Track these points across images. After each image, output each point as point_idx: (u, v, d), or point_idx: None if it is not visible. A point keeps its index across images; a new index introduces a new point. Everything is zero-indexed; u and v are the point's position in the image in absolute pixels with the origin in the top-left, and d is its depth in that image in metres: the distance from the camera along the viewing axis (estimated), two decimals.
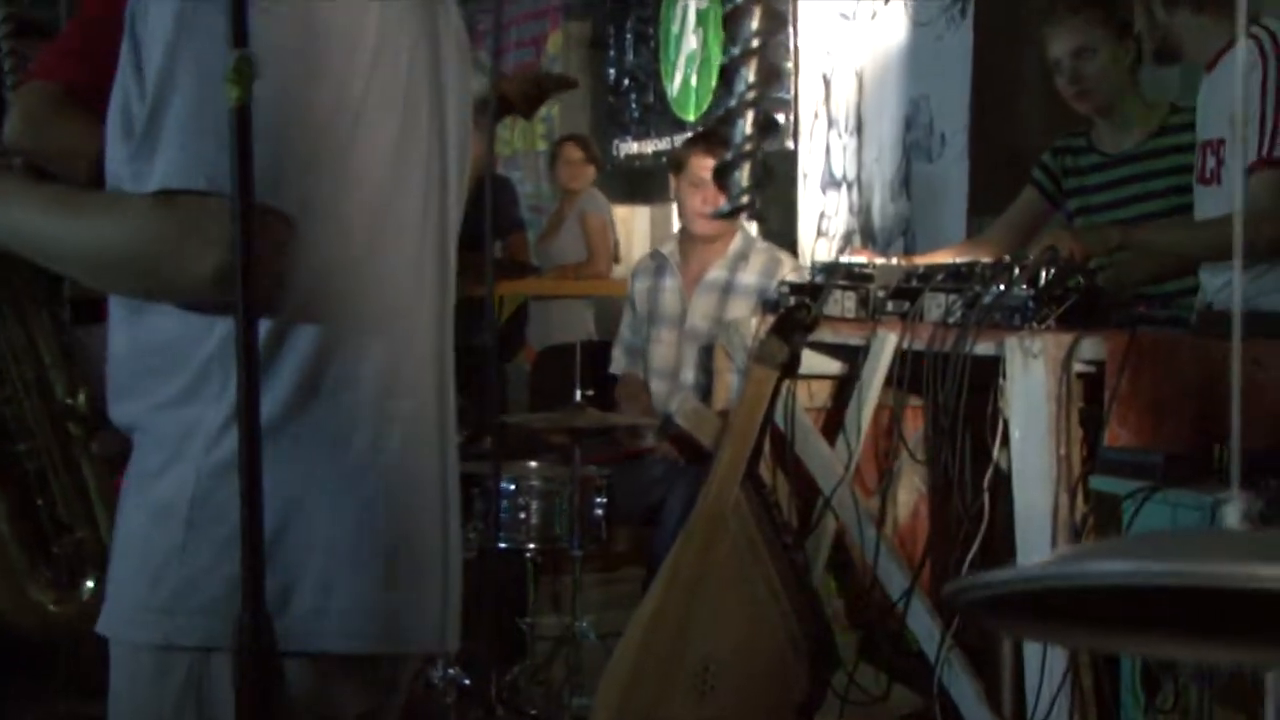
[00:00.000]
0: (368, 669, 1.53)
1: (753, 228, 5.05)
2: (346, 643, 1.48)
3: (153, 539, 1.47)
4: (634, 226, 8.37)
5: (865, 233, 5.86)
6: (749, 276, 4.50)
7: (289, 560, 1.45)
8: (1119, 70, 3.52)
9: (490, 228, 2.85)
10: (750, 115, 1.33)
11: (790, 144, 6.42)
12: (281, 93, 1.39)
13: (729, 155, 1.37)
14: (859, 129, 5.92)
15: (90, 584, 2.03)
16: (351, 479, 1.49)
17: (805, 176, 6.31)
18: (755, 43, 1.40)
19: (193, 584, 1.44)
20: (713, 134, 4.71)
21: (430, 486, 1.59)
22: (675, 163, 4.61)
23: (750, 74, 1.34)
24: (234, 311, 1.31)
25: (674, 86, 7.64)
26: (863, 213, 5.90)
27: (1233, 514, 0.82)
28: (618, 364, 4.73)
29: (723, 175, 1.35)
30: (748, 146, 1.34)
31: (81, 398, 2.02)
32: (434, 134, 1.60)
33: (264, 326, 1.39)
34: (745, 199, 1.36)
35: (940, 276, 3.10)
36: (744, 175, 1.35)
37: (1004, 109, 5.03)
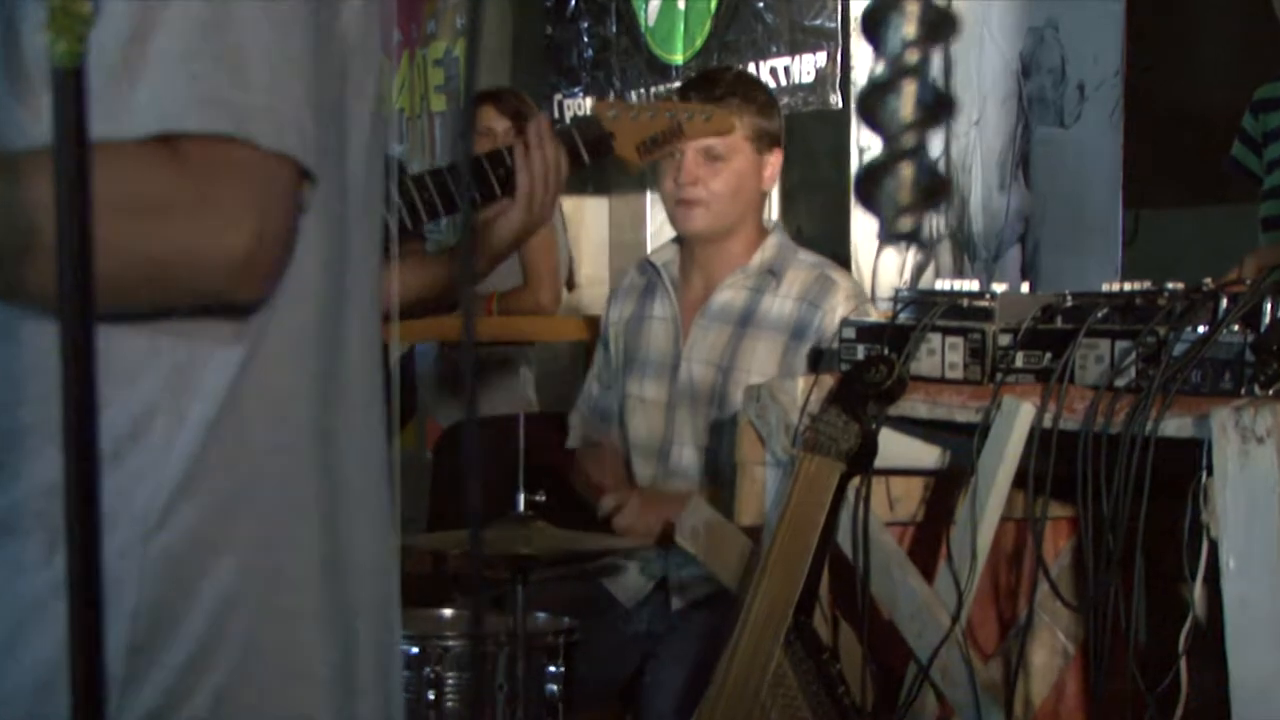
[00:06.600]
0: None
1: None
2: None
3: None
4: (585, 230, 8.34)
5: (958, 239, 5.90)
6: (780, 302, 4.36)
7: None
8: None
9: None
10: (914, 8, 1.32)
11: (836, 99, 6.42)
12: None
13: (882, 67, 1.36)
14: (947, 75, 5.96)
15: None
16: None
17: (863, 152, 6.34)
18: None
19: None
20: (713, 76, 4.64)
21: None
22: None
23: None
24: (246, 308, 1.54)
25: (649, 11, 7.66)
26: (955, 207, 5.94)
27: None
28: (576, 436, 4.69)
29: (871, 102, 1.34)
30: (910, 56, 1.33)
31: None
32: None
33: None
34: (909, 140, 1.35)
35: (1101, 313, 3.11)
36: (905, 103, 1.35)
37: (1177, 45, 5.05)
